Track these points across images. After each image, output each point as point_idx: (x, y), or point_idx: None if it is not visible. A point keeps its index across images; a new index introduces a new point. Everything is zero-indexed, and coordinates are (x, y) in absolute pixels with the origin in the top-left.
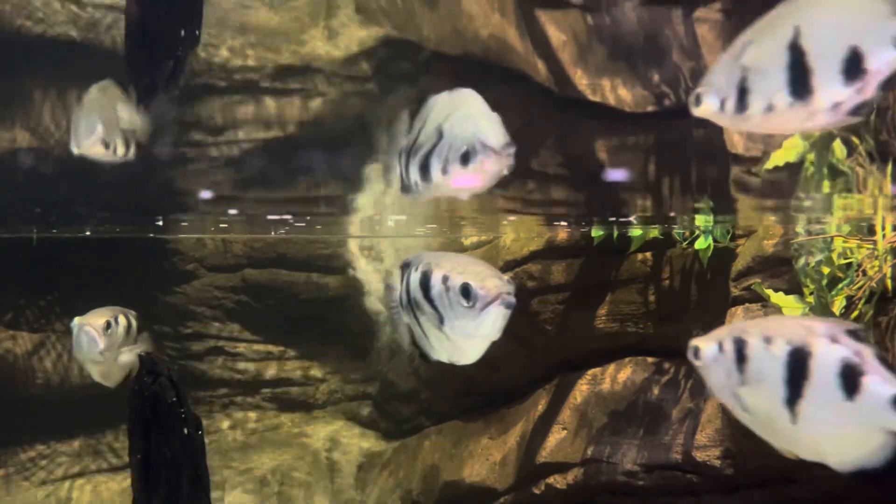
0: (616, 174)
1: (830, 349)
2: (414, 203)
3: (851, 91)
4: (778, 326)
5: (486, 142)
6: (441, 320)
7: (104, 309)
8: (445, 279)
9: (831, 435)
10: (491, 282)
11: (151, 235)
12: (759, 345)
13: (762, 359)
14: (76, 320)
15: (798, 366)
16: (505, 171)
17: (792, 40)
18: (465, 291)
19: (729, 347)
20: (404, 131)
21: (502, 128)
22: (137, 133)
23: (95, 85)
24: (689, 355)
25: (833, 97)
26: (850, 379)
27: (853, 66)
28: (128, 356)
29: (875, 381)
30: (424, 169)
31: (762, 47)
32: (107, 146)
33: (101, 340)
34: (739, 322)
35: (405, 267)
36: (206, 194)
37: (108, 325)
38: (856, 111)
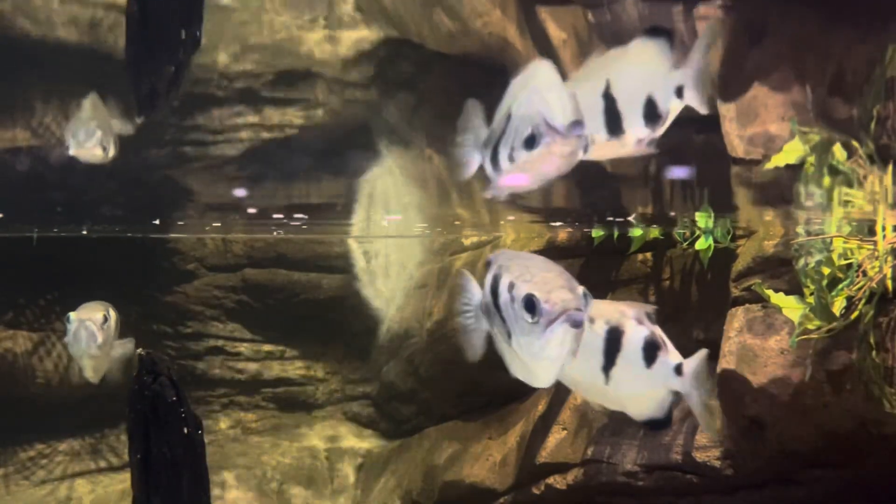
0: (680, 171)
1: (637, 329)
2: (412, 203)
3: (650, 129)
4: (598, 310)
5: (551, 121)
6: (509, 334)
7: (93, 303)
8: (511, 287)
9: (634, 393)
10: (557, 294)
11: (151, 235)
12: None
13: (587, 335)
14: (72, 315)
15: (613, 341)
16: (581, 154)
17: (605, 90)
18: (529, 304)
19: None
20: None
21: (573, 103)
22: (120, 137)
23: (88, 97)
24: None
25: (638, 134)
26: (649, 352)
27: (651, 111)
28: (115, 350)
29: (665, 353)
30: (495, 160)
31: (583, 96)
32: (104, 149)
33: (100, 335)
34: None
35: (488, 265)
36: (240, 192)
37: (105, 318)
38: (651, 143)
